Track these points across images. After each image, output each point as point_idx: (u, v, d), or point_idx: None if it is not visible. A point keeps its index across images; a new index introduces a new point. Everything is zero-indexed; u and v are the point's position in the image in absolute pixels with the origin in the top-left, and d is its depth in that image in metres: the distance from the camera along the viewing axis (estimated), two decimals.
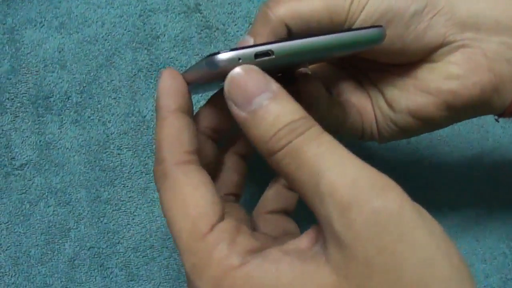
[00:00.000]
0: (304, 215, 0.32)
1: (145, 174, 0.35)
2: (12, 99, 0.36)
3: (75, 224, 0.33)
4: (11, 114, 0.35)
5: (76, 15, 0.38)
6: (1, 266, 0.32)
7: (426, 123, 0.27)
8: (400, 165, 0.38)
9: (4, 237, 0.33)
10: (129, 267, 0.34)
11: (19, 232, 0.33)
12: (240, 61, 0.20)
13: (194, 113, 0.25)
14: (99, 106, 0.36)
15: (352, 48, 0.23)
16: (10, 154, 0.34)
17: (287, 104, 0.19)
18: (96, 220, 0.34)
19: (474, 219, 0.39)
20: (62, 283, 0.32)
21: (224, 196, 0.27)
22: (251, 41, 0.24)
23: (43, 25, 0.37)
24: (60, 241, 0.33)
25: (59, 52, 0.37)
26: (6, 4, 0.38)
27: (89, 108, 0.36)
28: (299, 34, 0.24)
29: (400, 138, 0.30)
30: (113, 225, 0.34)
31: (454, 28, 0.25)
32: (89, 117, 0.36)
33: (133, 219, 0.35)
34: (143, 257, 0.35)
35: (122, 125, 0.36)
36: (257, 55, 0.20)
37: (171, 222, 0.20)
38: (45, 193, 0.34)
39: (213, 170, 0.27)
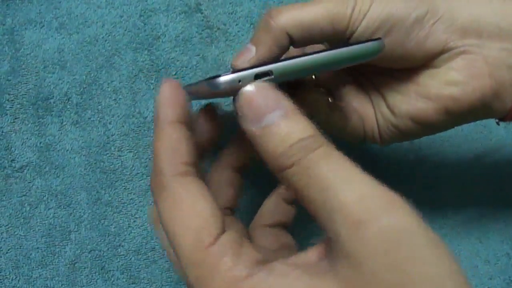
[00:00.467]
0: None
1: (146, 176, 0.35)
2: (12, 100, 0.35)
3: (76, 226, 0.33)
4: (10, 115, 0.35)
5: (76, 16, 0.37)
6: (1, 269, 0.32)
7: (426, 127, 0.28)
8: (403, 166, 0.38)
9: (4, 240, 0.32)
10: (130, 270, 0.34)
11: (20, 235, 0.32)
12: (240, 83, 0.20)
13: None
14: (99, 107, 0.36)
15: (351, 62, 0.23)
16: (10, 156, 0.34)
17: (298, 122, 0.20)
18: (97, 223, 0.34)
19: (477, 220, 0.39)
20: (63, 286, 0.32)
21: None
22: (253, 50, 0.24)
23: (43, 25, 0.37)
24: (61, 244, 0.33)
25: (59, 53, 0.37)
26: (5, 5, 0.37)
27: (90, 109, 0.36)
28: (300, 42, 0.25)
29: (401, 141, 0.30)
30: (114, 228, 0.34)
31: (455, 34, 0.25)
32: (89, 118, 0.35)
33: (134, 221, 0.35)
34: (144, 259, 0.34)
35: (123, 126, 0.36)
36: (257, 76, 0.21)
37: (172, 234, 0.19)
38: (45, 196, 0.33)
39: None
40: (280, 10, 0.24)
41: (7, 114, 0.35)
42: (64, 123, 0.35)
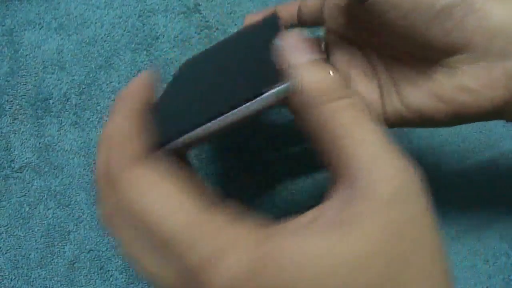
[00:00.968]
0: None
1: None
2: (11, 101, 0.35)
3: (75, 227, 0.33)
4: (10, 116, 0.35)
5: (75, 16, 0.38)
6: (0, 269, 0.32)
7: (432, 122, 0.27)
8: None
9: (3, 240, 0.32)
10: (129, 270, 0.34)
11: (19, 235, 0.33)
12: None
13: None
14: (98, 107, 0.36)
15: (263, 111, 0.22)
16: (9, 156, 0.34)
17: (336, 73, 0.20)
18: (96, 223, 0.34)
19: (476, 219, 0.39)
20: (62, 286, 0.32)
21: None
22: None
23: (42, 26, 0.37)
24: (60, 244, 0.33)
25: (58, 53, 0.37)
26: (4, 6, 0.38)
27: (88, 110, 0.36)
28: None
29: (401, 127, 0.29)
30: None
31: (482, 36, 0.24)
32: (88, 119, 0.35)
33: None
34: None
35: None
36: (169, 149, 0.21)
37: (154, 223, 0.17)
38: (44, 196, 0.33)
39: None
40: None
41: (6, 115, 0.35)
42: (63, 123, 0.35)
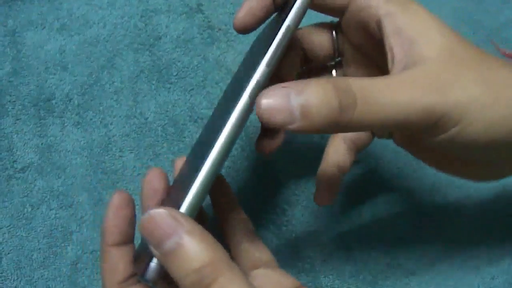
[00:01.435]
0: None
1: None
2: (14, 101, 0.35)
3: (77, 227, 0.33)
4: (12, 116, 0.35)
5: (78, 17, 0.38)
6: (3, 270, 0.32)
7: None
8: (406, 167, 0.37)
9: (6, 241, 0.32)
10: None
11: (21, 235, 0.33)
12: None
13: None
14: (100, 108, 0.36)
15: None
16: (11, 157, 0.34)
17: (200, 244, 0.19)
18: (98, 223, 0.34)
19: (479, 219, 0.38)
20: (65, 286, 0.32)
21: None
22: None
23: (45, 27, 0.37)
24: (63, 245, 0.33)
25: (61, 54, 0.37)
26: (7, 6, 0.38)
27: (91, 110, 0.36)
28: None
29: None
30: None
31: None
32: (90, 119, 0.35)
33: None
34: None
35: (124, 127, 0.36)
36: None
37: None
38: (47, 196, 0.33)
39: None
40: None
41: (8, 115, 0.35)
42: (66, 124, 0.35)
